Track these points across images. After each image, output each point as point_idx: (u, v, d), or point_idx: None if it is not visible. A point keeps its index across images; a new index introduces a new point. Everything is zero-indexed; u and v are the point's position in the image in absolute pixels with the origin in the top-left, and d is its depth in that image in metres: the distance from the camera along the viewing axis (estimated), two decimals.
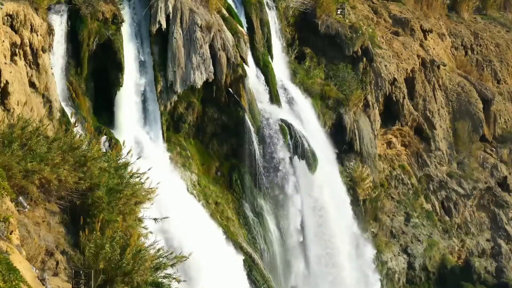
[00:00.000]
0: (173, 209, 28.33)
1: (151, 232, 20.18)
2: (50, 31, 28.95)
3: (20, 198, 17.80)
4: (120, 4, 32.44)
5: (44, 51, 27.74)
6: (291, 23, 43.36)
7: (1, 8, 25.55)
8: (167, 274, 18.92)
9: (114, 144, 28.56)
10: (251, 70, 36.94)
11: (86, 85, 31.21)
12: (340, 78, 42.82)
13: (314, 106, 40.94)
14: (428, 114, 48.19)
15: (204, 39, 34.14)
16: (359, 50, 43.60)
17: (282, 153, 36.18)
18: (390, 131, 46.77)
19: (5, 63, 25.02)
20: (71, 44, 30.59)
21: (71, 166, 19.13)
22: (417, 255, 44.57)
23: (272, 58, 39.30)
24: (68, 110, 29.02)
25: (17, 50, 26.39)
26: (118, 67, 31.64)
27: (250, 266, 33.69)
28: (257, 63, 38.19)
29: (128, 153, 21.71)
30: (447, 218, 47.74)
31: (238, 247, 33.77)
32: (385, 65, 45.46)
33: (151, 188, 20.79)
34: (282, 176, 36.32)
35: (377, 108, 44.91)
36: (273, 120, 36.60)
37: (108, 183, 19.29)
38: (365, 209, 42.33)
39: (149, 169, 21.34)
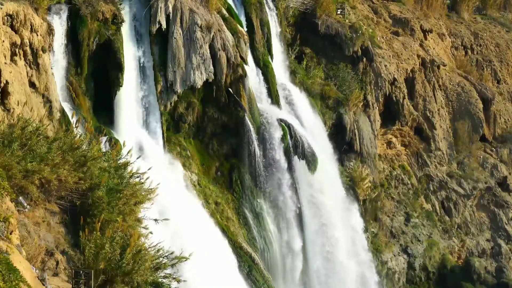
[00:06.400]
0: (173, 209, 28.31)
1: (151, 233, 20.18)
2: (50, 31, 28.94)
3: (20, 198, 17.80)
4: (120, 4, 32.44)
5: (44, 51, 27.73)
6: (291, 23, 43.37)
7: (1, 8, 25.55)
8: (167, 274, 18.92)
9: (114, 144, 28.55)
10: (251, 70, 36.94)
11: (86, 85, 31.21)
12: (340, 78, 42.83)
13: (314, 106, 40.94)
14: (428, 114, 48.19)
15: (204, 39, 34.15)
16: (359, 50, 43.62)
17: (282, 153, 36.18)
18: (390, 131, 46.76)
19: (5, 63, 25.02)
20: (71, 44, 30.59)
21: (71, 166, 19.12)
22: (417, 255, 44.57)
23: (272, 58, 39.30)
24: (68, 110, 29.03)
25: (17, 50, 26.39)
26: (118, 67, 31.64)
27: (250, 266, 33.70)
28: (257, 63, 38.19)
29: (128, 153, 21.71)
30: (447, 218, 47.74)
31: (238, 247, 33.80)
32: (385, 65, 45.46)
33: (151, 188, 20.79)
34: (282, 176, 36.32)
35: (377, 108, 44.90)
36: (273, 120, 36.60)
37: (108, 183, 19.29)
38: (365, 209, 42.33)
39: (149, 169, 21.34)
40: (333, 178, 39.84)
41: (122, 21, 32.07)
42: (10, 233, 15.26)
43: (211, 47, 34.47)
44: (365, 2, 51.21)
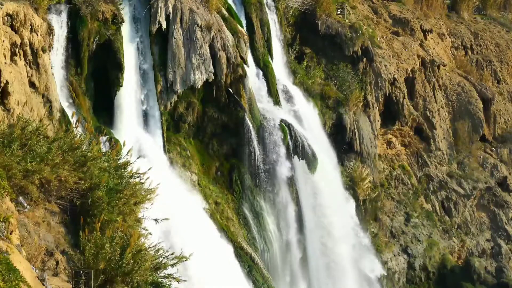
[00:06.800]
0: (173, 209, 28.28)
1: (150, 234, 20.17)
2: (50, 31, 28.95)
3: (20, 198, 17.80)
4: (120, 4, 32.45)
5: (44, 51, 27.74)
6: (291, 23, 43.36)
7: (1, 8, 25.55)
8: (167, 274, 18.92)
9: (114, 144, 28.55)
10: (251, 70, 36.94)
11: (86, 85, 31.22)
12: (340, 78, 42.82)
13: (314, 106, 40.94)
14: (428, 114, 48.18)
15: (204, 39, 34.15)
16: (359, 50, 43.61)
17: (282, 153, 36.17)
18: (390, 131, 46.76)
19: (5, 63, 25.03)
20: (71, 44, 30.59)
21: (71, 166, 19.12)
22: (417, 255, 44.57)
23: (272, 58, 39.30)
24: (68, 110, 29.03)
25: (17, 50, 26.39)
26: (118, 67, 31.65)
27: (250, 266, 33.70)
28: (257, 63, 38.19)
29: (128, 152, 21.71)
30: (447, 218, 47.74)
31: (238, 246, 33.81)
32: (385, 65, 45.45)
33: (151, 189, 20.78)
34: (281, 176, 36.32)
35: (377, 108, 44.90)
36: (273, 120, 36.60)
37: (108, 183, 19.28)
38: (365, 209, 42.33)
39: (149, 169, 21.34)
40: (333, 178, 39.84)
41: (122, 21, 32.07)
42: (10, 233, 15.26)
43: (211, 47, 34.48)
44: (365, 2, 51.20)
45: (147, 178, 20.94)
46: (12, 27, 26.38)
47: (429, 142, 48.16)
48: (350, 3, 47.88)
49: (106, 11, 31.26)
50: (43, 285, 15.53)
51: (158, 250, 18.91)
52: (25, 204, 17.92)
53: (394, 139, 47.13)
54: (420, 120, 47.50)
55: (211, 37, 34.45)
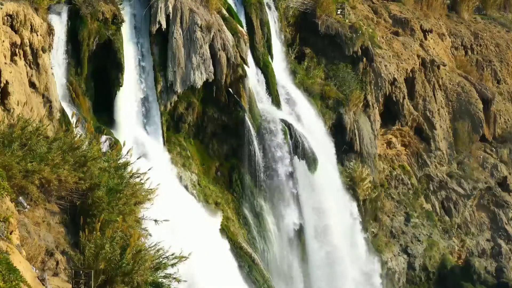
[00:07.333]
0: (173, 209, 28.28)
1: (150, 235, 20.18)
2: (50, 31, 28.95)
3: (20, 198, 17.81)
4: (120, 4, 32.46)
5: (44, 51, 27.73)
6: (291, 23, 43.35)
7: (1, 8, 25.56)
8: (167, 274, 18.93)
9: (114, 144, 28.55)
10: (251, 70, 36.94)
11: (86, 85, 31.22)
12: (340, 78, 42.80)
13: (314, 106, 40.93)
14: (428, 114, 48.17)
15: (204, 39, 34.16)
16: (359, 50, 43.58)
17: (282, 153, 36.17)
18: (390, 131, 46.75)
19: (5, 63, 25.02)
20: (71, 44, 30.59)
21: (71, 166, 19.13)
22: (417, 255, 44.56)
23: (272, 58, 39.30)
24: (68, 110, 29.03)
25: (17, 50, 26.39)
26: (118, 67, 31.65)
27: (250, 266, 33.70)
28: (257, 63, 38.19)
29: (127, 152, 21.72)
30: (447, 218, 47.74)
31: (238, 246, 33.82)
32: (385, 65, 45.44)
33: (151, 189, 20.78)
34: (281, 176, 36.31)
35: (377, 108, 44.88)
36: (273, 120, 36.59)
37: (108, 183, 19.29)
38: (365, 209, 42.32)
39: (149, 169, 21.34)
40: (333, 178, 39.85)
41: (122, 21, 32.07)
42: (10, 233, 15.26)
43: (211, 47, 34.48)
44: (365, 2, 51.19)
45: (148, 179, 20.95)
46: (12, 27, 26.38)
47: (429, 142, 48.15)
48: (350, 3, 47.86)
49: (106, 11, 31.26)
50: (43, 285, 15.54)
51: (158, 250, 18.92)
52: (25, 204, 17.93)
53: (394, 139, 47.12)
54: (420, 120, 47.50)
55: (211, 37, 34.45)
